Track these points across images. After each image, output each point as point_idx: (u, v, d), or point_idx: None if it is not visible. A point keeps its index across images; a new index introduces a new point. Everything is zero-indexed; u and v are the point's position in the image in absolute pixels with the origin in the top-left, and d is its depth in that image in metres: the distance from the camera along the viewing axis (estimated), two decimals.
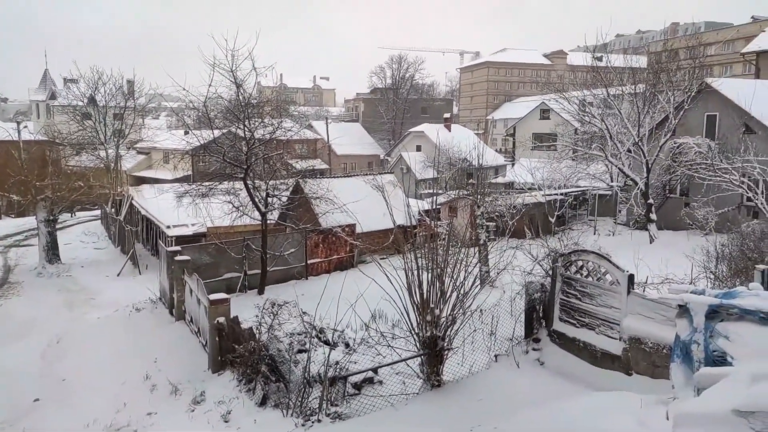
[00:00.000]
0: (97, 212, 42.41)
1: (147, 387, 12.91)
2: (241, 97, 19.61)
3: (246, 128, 19.60)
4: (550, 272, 11.44)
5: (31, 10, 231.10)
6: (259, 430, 9.81)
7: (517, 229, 24.70)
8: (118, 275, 25.93)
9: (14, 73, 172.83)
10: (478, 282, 11.25)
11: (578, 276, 10.65)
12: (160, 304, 19.07)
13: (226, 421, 10.43)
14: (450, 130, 56.61)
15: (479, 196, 21.32)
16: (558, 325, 10.96)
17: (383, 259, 17.24)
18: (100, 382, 13.59)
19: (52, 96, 71.54)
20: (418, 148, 56.20)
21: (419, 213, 24.40)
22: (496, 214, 25.62)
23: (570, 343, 10.60)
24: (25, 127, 50.85)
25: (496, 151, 67.68)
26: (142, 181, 48.71)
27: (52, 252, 28.13)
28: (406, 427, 8.73)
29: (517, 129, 58.99)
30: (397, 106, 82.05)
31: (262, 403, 10.77)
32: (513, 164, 50.53)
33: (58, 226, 29.77)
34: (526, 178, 32.00)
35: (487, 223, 24.94)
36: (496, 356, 11.11)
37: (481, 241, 19.85)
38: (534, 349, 11.15)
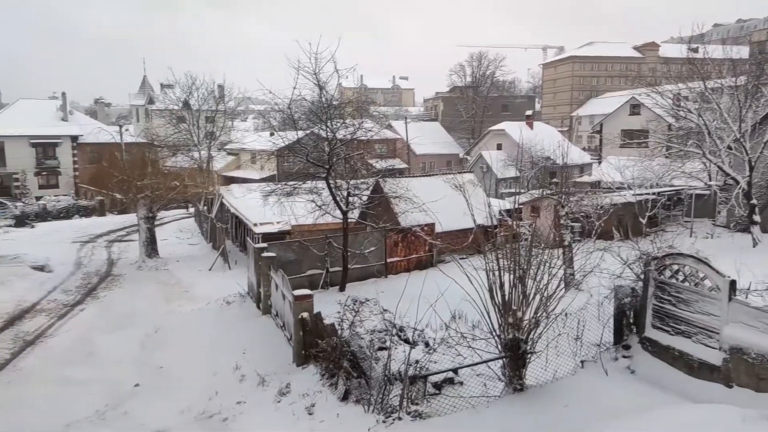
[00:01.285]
0: (191, 210, 44.89)
1: (236, 377, 13.54)
2: (323, 99, 20.11)
3: (328, 129, 20.09)
4: (642, 276, 10.89)
5: (132, 22, 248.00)
6: (342, 424, 10.02)
7: (605, 231, 23.65)
8: (209, 270, 27.33)
9: (117, 80, 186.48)
10: (562, 285, 10.90)
11: (673, 281, 10.07)
12: (248, 299, 19.92)
13: (310, 414, 10.74)
14: (532, 128, 55.19)
15: (563, 196, 20.63)
16: (650, 332, 10.42)
17: (463, 259, 17.12)
18: (193, 371, 14.41)
19: (150, 101, 76.41)
20: (499, 147, 55.21)
21: (500, 213, 23.99)
22: (582, 214, 24.69)
23: (663, 351, 10.04)
24: (127, 130, 54.70)
25: (582, 149, 65.20)
26: (231, 180, 51.08)
27: (150, 247, 30.11)
28: (487, 429, 8.61)
29: (604, 125, 56.53)
30: (476, 104, 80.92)
31: (344, 398, 11.00)
32: (600, 162, 48.47)
33: (156, 223, 31.82)
34: (615, 176, 30.59)
35: (572, 224, 24.14)
36: (582, 362, 10.73)
37: (566, 243, 19.22)
38: (624, 356, 10.66)
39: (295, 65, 19.50)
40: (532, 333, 10.07)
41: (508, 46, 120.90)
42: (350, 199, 20.61)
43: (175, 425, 11.35)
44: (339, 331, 12.65)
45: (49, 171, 59.05)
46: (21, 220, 42.57)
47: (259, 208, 23.78)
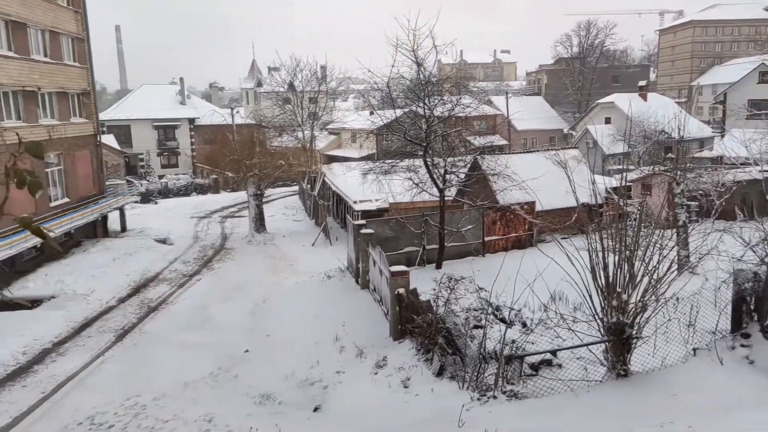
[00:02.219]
0: (296, 188, 46.80)
1: (336, 348, 14.09)
2: (421, 76, 20.01)
3: (426, 106, 20.00)
4: (766, 260, 9.93)
5: (242, 8, 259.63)
6: (436, 399, 10.14)
7: (726, 210, 21.82)
8: (312, 245, 28.49)
9: (229, 65, 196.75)
10: (674, 267, 10.20)
11: None
12: (348, 273, 20.56)
13: (405, 387, 10.97)
14: (645, 100, 51.50)
15: (678, 173, 19.17)
16: None
17: (564, 238, 16.50)
18: (297, 340, 15.18)
19: (259, 84, 79.94)
20: (607, 121, 52.18)
21: (606, 190, 22.78)
22: (700, 192, 22.86)
23: None
24: (237, 112, 57.80)
25: (702, 121, 60.00)
26: (332, 159, 52.52)
27: (259, 222, 31.87)
28: (587, 413, 8.34)
29: (728, 95, 51.54)
30: (584, 76, 76.82)
31: (439, 373, 11.10)
32: (722, 136, 44.41)
33: (263, 200, 33.57)
34: (739, 151, 27.91)
35: (689, 203, 22.40)
36: (694, 350, 10.02)
37: (680, 223, 17.91)
38: (742, 345, 9.81)
39: (393, 43, 19.56)
40: (639, 317, 9.55)
41: (620, 12, 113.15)
42: (447, 176, 20.47)
43: (279, 390, 12.06)
44: (434, 308, 12.73)
45: (169, 151, 63.91)
46: (146, 197, 46.56)
47: (359, 186, 24.30)
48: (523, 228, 23.10)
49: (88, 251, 26.40)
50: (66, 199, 27.81)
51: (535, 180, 21.83)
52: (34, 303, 19.98)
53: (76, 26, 29.39)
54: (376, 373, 11.93)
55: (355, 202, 26.72)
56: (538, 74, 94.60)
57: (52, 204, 26.48)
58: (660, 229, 10.41)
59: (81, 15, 29.93)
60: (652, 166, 26.08)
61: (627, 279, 9.52)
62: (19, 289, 20.91)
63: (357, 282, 19.19)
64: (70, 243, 27.31)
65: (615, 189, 23.93)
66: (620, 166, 40.00)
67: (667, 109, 43.26)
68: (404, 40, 19.53)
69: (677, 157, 21.86)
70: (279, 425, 9.20)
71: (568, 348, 10.24)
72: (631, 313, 9.43)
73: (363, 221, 20.34)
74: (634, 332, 9.46)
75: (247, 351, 15.08)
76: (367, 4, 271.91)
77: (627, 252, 9.58)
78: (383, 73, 20.48)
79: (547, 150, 26.71)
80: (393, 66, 19.80)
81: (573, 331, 10.79)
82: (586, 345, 9.97)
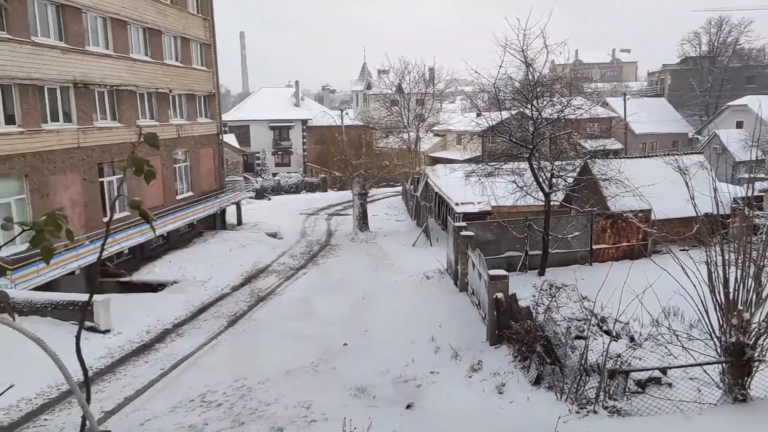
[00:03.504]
0: (399, 188, 47.40)
1: (432, 348, 14.13)
2: (530, 77, 19.52)
3: (534, 108, 19.47)
4: None
5: (355, 14, 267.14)
6: (532, 408, 9.87)
7: None
8: (413, 245, 28.71)
9: (342, 68, 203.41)
10: None
11: None
12: (446, 275, 20.52)
13: (500, 393, 10.78)
14: None
15: None
16: None
17: (683, 250, 15.34)
18: (393, 338, 15.39)
19: (368, 86, 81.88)
20: (738, 125, 47.72)
21: (734, 200, 20.90)
22: None
23: None
24: (346, 114, 59.59)
25: None
26: (436, 161, 52.53)
27: (362, 221, 32.65)
28: None
29: None
30: (713, 76, 70.71)
31: (536, 382, 10.79)
32: None
33: (368, 200, 34.36)
34: None
35: None
36: None
37: None
38: None
39: (501, 43, 19.26)
40: (763, 338, 8.70)
41: (757, 8, 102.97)
42: (554, 180, 19.79)
43: (374, 384, 12.30)
44: (534, 315, 12.38)
45: (283, 151, 67.29)
46: (260, 193, 49.32)
47: (462, 188, 24.14)
48: (636, 237, 21.79)
49: (207, 242, 28.48)
50: (190, 193, 30.18)
51: (651, 186, 20.48)
52: (159, 287, 21.90)
53: (204, 33, 31.82)
54: (470, 377, 11.83)
55: (456, 204, 26.58)
56: (661, 74, 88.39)
57: (178, 197, 28.86)
58: None
59: (209, 22, 32.37)
60: None
61: (750, 296, 8.72)
62: (146, 274, 23.02)
63: (455, 284, 19.10)
64: (192, 233, 29.63)
65: (745, 199, 21.87)
66: (753, 175, 36.46)
67: None
68: (513, 40, 19.21)
69: None
70: (372, 418, 9.40)
71: (679, 366, 9.55)
72: (754, 333, 8.62)
73: (463, 223, 20.21)
74: (756, 354, 8.63)
75: (345, 344, 15.52)
76: (478, 5, 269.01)
77: (755, 268, 8.77)
78: (490, 74, 20.26)
79: (667, 155, 24.95)
80: (500, 67, 19.52)
81: (686, 349, 10.04)
82: (701, 365, 9.24)
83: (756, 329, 8.68)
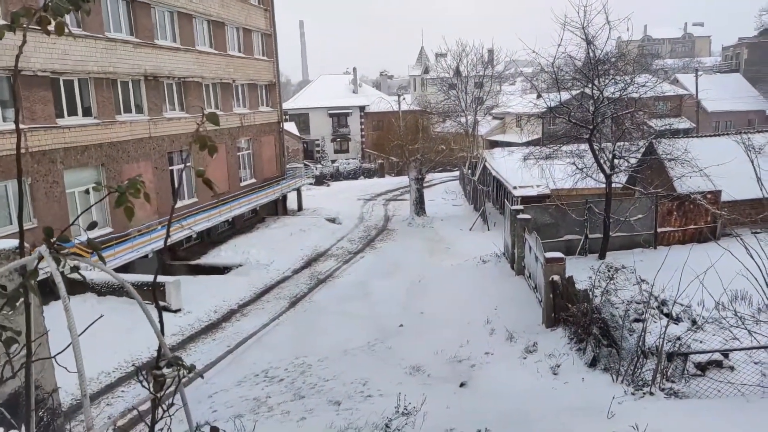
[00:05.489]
0: (456, 173, 47.19)
1: (486, 330, 14.21)
2: (591, 54, 18.98)
3: (595, 87, 18.95)
4: None
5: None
6: (587, 388, 9.83)
7: None
8: (470, 230, 28.67)
9: (400, 53, 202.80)
10: None
11: None
12: (503, 259, 20.42)
13: (554, 374, 10.78)
14: None
15: None
16: None
17: (755, 233, 14.64)
18: (449, 319, 15.57)
19: (426, 70, 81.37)
20: None
21: None
22: None
23: None
24: (404, 99, 59.56)
25: None
26: (495, 144, 51.81)
27: (419, 206, 32.82)
28: (757, 421, 7.53)
29: None
30: None
31: (592, 364, 10.71)
32: None
33: (424, 185, 34.46)
34: None
35: None
36: None
37: None
38: None
39: (560, 21, 18.81)
40: None
41: None
42: (615, 161, 19.24)
43: (429, 364, 12.56)
44: (591, 297, 12.23)
45: (341, 137, 68.17)
46: (319, 180, 50.35)
47: (520, 171, 23.86)
48: (705, 220, 20.89)
49: (269, 226, 29.49)
50: (253, 180, 31.28)
51: (721, 167, 19.55)
52: (225, 269, 22.95)
53: (265, 23, 32.66)
54: (525, 358, 11.87)
55: (514, 188, 26.28)
56: (736, 48, 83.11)
57: (242, 184, 29.97)
58: None
59: (269, 12, 33.19)
60: None
61: None
62: (213, 257, 24.15)
63: (512, 268, 18.99)
64: (256, 219, 30.74)
65: None
66: None
67: None
68: (573, 17, 18.73)
69: None
70: (426, 395, 9.66)
71: (741, 349, 9.27)
72: None
73: (520, 206, 20.01)
74: None
75: (401, 325, 15.84)
76: None
77: None
78: (549, 54, 19.81)
79: (738, 133, 23.66)
80: (559, 45, 19.07)
81: (752, 332, 9.73)
82: (765, 347, 8.93)
83: None
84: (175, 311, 17.77)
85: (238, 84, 30.03)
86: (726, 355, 9.73)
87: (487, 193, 32.91)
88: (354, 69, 72.79)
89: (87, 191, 2.69)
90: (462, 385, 11.17)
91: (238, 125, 29.74)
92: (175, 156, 24.38)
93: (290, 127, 56.43)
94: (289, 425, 9.78)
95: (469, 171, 37.52)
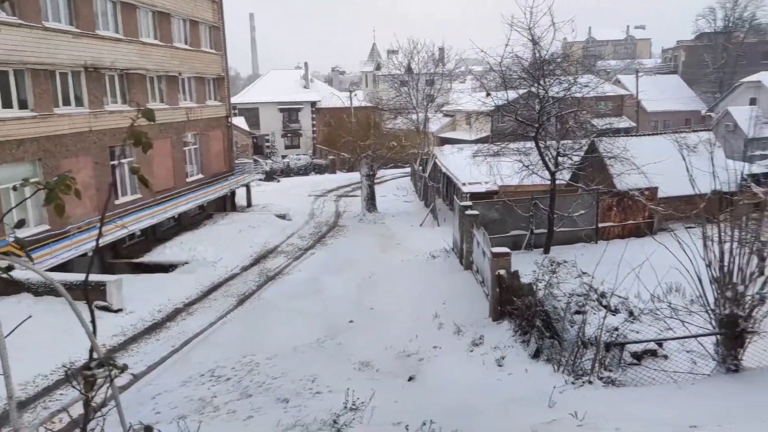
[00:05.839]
0: (408, 169, 47.50)
1: (435, 324, 14.41)
2: (536, 54, 19.47)
3: (540, 86, 19.45)
4: None
5: None
6: (530, 379, 10.12)
7: None
8: (420, 226, 28.93)
9: (352, 49, 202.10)
10: None
11: None
12: (452, 254, 20.73)
13: (499, 366, 11.05)
14: None
15: None
16: None
17: (689, 228, 15.40)
18: (398, 315, 15.70)
19: (378, 67, 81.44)
20: (752, 102, 47.07)
21: (743, 178, 20.82)
22: None
23: None
24: (355, 95, 59.52)
25: None
26: (446, 141, 52.44)
27: (370, 202, 32.88)
28: (687, 406, 7.93)
29: None
30: (728, 52, 69.48)
31: (535, 355, 11.04)
32: None
33: (376, 181, 34.53)
34: None
35: None
36: None
37: None
38: None
39: (508, 21, 19.21)
40: (755, 310, 8.84)
41: None
42: (559, 159, 19.83)
43: (378, 359, 12.63)
44: (535, 291, 12.58)
45: (292, 133, 67.44)
46: (269, 175, 49.67)
47: (469, 168, 24.23)
48: (643, 215, 21.82)
49: (217, 223, 28.90)
50: (200, 176, 30.55)
51: (658, 165, 20.46)
52: (170, 267, 22.35)
53: (212, 15, 31.90)
54: (471, 351, 12.10)
55: (464, 184, 26.67)
56: (675, 51, 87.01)
57: (189, 179, 29.23)
58: None
59: (217, 5, 32.42)
60: None
61: (745, 270, 8.85)
62: (158, 255, 23.48)
63: (461, 263, 19.31)
64: (203, 215, 30.06)
65: (754, 176, 21.81)
66: (764, 152, 36.13)
67: None
68: (520, 18, 19.14)
69: None
70: (374, 390, 9.70)
71: (673, 338, 9.75)
72: (748, 305, 8.76)
73: (469, 203, 20.34)
74: (749, 326, 8.78)
75: (351, 321, 15.85)
76: None
77: (747, 241, 8.90)
78: (497, 53, 20.21)
79: (675, 132, 24.82)
80: (507, 45, 19.48)
81: (684, 322, 10.23)
82: (694, 336, 9.44)
83: (750, 302, 8.82)
84: (117, 311, 17.20)
85: (184, 77, 29.25)
86: (660, 345, 10.22)
87: (437, 189, 33.28)
88: (305, 64, 72.11)
89: (14, 188, 2.57)
90: (410, 379, 11.29)
91: (185, 119, 28.99)
92: (118, 151, 23.54)
93: (239, 121, 55.40)
94: (235, 425, 9.64)
95: (420, 167, 37.87)
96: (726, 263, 8.92)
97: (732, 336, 8.88)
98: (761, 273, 9.08)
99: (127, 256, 22.92)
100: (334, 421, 7.58)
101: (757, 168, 24.24)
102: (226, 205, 32.78)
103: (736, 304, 8.83)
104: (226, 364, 13.35)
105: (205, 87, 31.71)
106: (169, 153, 27.47)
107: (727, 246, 9.03)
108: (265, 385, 11.72)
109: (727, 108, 46.26)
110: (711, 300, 9.22)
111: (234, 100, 57.35)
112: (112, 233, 20.43)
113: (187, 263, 22.50)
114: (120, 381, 12.89)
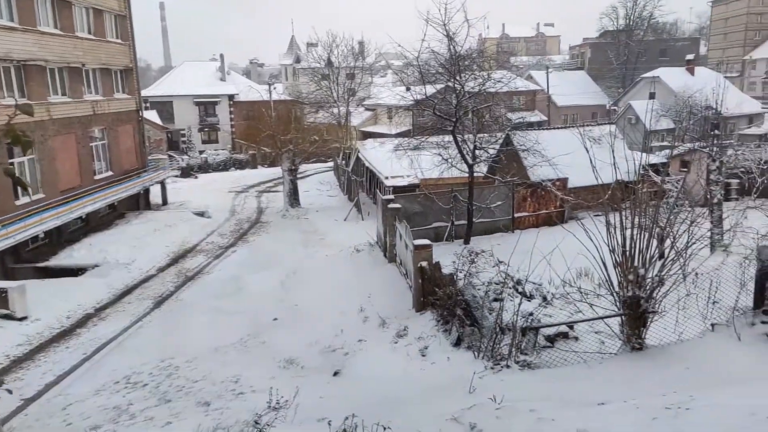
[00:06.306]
0: (331, 164, 47.30)
1: (360, 318, 14.47)
2: (452, 50, 19.90)
3: (456, 81, 19.91)
4: None
5: None
6: (452, 367, 10.39)
7: None
8: (344, 220, 28.89)
9: (271, 41, 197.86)
10: (700, 244, 10.09)
11: None
12: (377, 247, 20.85)
13: (423, 355, 11.26)
14: (693, 74, 49.60)
15: (715, 149, 18.63)
16: None
17: (597, 215, 16.33)
18: (323, 310, 15.62)
19: (297, 60, 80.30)
20: (652, 96, 50.48)
21: (643, 168, 22.28)
22: (742, 169, 22.19)
23: None
24: (275, 88, 58.39)
25: (754, 97, 57.44)
26: (368, 135, 52.63)
27: (293, 197, 32.47)
28: (596, 384, 8.45)
29: None
30: (629, 49, 74.17)
31: (457, 343, 11.34)
32: None
33: (298, 176, 34.11)
34: None
35: (729, 180, 21.79)
36: (713, 325, 9.94)
37: (715, 200, 17.50)
38: (763, 322, 9.65)
39: (424, 17, 19.50)
40: (656, 291, 9.53)
41: None
42: (477, 152, 20.42)
43: (303, 355, 12.54)
44: (456, 281, 12.91)
45: (209, 127, 65.27)
46: (186, 172, 47.87)
47: (392, 161, 24.45)
48: (555, 205, 22.91)
49: (130, 223, 27.53)
50: (110, 173, 28.94)
51: (569, 156, 21.53)
52: (79, 271, 21.06)
53: (118, 4, 30.18)
54: (396, 342, 12.25)
55: (386, 178, 26.91)
56: (581, 48, 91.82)
57: (97, 177, 27.61)
58: (692, 207, 10.30)
59: None
60: (693, 143, 25.37)
61: (646, 254, 9.51)
62: (65, 258, 22.06)
63: (385, 256, 19.47)
64: (114, 215, 28.51)
65: (653, 166, 23.39)
66: (663, 143, 38.89)
67: (715, 84, 41.62)
68: (435, 14, 19.47)
69: (714, 133, 21.18)
70: (299, 387, 9.62)
71: (582, 321, 10.32)
72: (648, 287, 9.42)
73: (391, 196, 20.55)
74: (650, 306, 9.45)
75: (275, 319, 15.62)
76: None
77: (647, 227, 9.56)
78: (414, 48, 20.48)
79: (582, 126, 26.21)
80: (423, 40, 19.78)
81: (592, 305, 10.84)
82: (601, 318, 10.02)
83: (650, 284, 9.49)
84: (21, 319, 16.04)
85: (89, 68, 27.53)
86: (571, 327, 10.78)
87: (361, 183, 33.36)
88: (221, 56, 69.96)
89: None
90: (336, 374, 11.30)
91: (91, 113, 27.32)
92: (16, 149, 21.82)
93: (151, 115, 52.97)
94: None
95: (344, 162, 37.80)
96: (628, 248, 9.55)
97: (635, 316, 9.53)
98: (661, 256, 9.82)
99: (31, 260, 21.37)
100: (256, 422, 7.45)
101: (656, 158, 26.05)
102: (139, 203, 31.27)
103: (638, 286, 9.47)
104: (142, 369, 12.79)
105: (113, 79, 30.02)
106: (74, 149, 25.81)
107: (628, 232, 9.68)
108: (185, 389, 11.33)
109: (629, 102, 49.37)
110: (615, 283, 9.85)
111: (145, 92, 54.74)
112: (14, 236, 19.01)
113: (97, 266, 21.29)
114: (28, 392, 12.02)
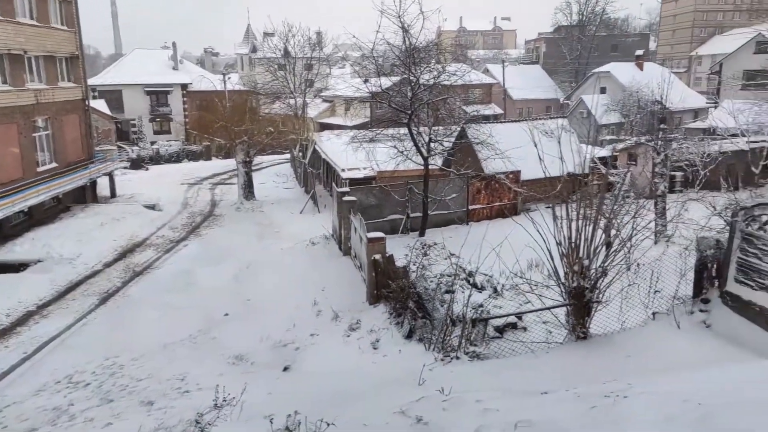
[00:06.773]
0: (288, 156, 46.69)
1: (314, 312, 14.34)
2: (407, 42, 19.83)
3: (412, 74, 19.87)
4: (728, 228, 10.08)
5: None
6: (403, 359, 10.42)
7: (711, 181, 21.88)
8: (300, 213, 28.59)
9: (226, 30, 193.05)
10: (642, 235, 10.37)
11: (762, 233, 9.25)
12: (332, 240, 20.72)
13: (374, 348, 11.25)
14: (642, 69, 51.07)
15: (659, 143, 19.22)
16: (732, 287, 9.71)
17: (548, 207, 16.64)
18: (276, 304, 15.41)
19: (254, 49, 78.78)
20: (603, 90, 51.78)
21: (593, 160, 22.82)
22: (686, 162, 22.95)
23: (744, 306, 9.35)
24: (229, 78, 57.16)
25: (700, 92, 59.63)
26: (326, 127, 52.18)
27: (248, 190, 31.92)
28: (542, 373, 8.60)
29: (723, 66, 51.03)
30: (582, 44, 75.78)
31: (409, 336, 11.37)
32: (716, 106, 44.21)
33: (253, 168, 33.53)
34: (728, 122, 27.86)
35: (673, 173, 22.52)
36: (654, 314, 10.27)
37: (659, 192, 18.06)
38: (701, 311, 10.04)
39: (379, 8, 19.33)
40: (600, 282, 9.76)
41: None
42: (432, 145, 20.47)
43: (253, 351, 12.34)
44: (408, 273, 12.93)
45: (161, 117, 63.33)
46: (137, 163, 46.42)
47: (349, 154, 24.26)
48: (508, 197, 23.22)
49: (76, 216, 26.53)
50: (54, 164, 27.78)
51: (521, 149, 21.82)
52: (20, 267, 20.17)
53: None
54: (348, 336, 12.20)
55: (343, 170, 26.71)
56: (537, 42, 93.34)
57: (40, 169, 26.47)
58: (636, 198, 10.56)
59: None
60: (639, 137, 26.10)
61: (589, 245, 9.71)
62: (6, 253, 21.09)
63: (340, 249, 19.36)
64: (59, 208, 27.42)
65: (603, 159, 23.97)
66: (613, 137, 39.94)
67: (662, 79, 42.94)
68: (390, 5, 19.34)
69: (662, 127, 21.86)
70: (247, 383, 9.45)
71: (529, 311, 10.49)
72: (592, 278, 9.63)
73: (346, 189, 20.41)
74: (594, 296, 9.68)
75: (227, 314, 15.33)
76: None
77: (591, 219, 9.76)
78: (369, 39, 20.32)
79: (534, 119, 26.65)
80: (378, 32, 19.63)
81: (540, 296, 11.03)
82: (548, 308, 10.21)
83: (594, 274, 9.71)
84: None
85: (31, 56, 26.26)
86: (520, 318, 10.95)
87: (317, 175, 33.07)
88: (174, 44, 67.85)
89: None
90: (286, 369, 11.16)
91: (34, 102, 26.12)
92: None
93: (99, 105, 51.03)
94: None
95: (300, 154, 37.37)
96: (573, 239, 9.74)
97: (580, 306, 9.74)
98: (608, 246, 10.05)
99: None
100: (197, 421, 7.27)
101: (605, 151, 26.73)
102: (86, 196, 30.14)
103: (583, 276, 9.68)
104: (86, 368, 12.35)
105: (57, 67, 28.75)
106: (15, 140, 24.64)
107: (574, 224, 9.87)
108: (129, 388, 11.00)
109: (581, 96, 50.49)
110: (562, 274, 10.04)
111: (93, 81, 52.71)
112: None
113: (40, 261, 20.45)
114: None
